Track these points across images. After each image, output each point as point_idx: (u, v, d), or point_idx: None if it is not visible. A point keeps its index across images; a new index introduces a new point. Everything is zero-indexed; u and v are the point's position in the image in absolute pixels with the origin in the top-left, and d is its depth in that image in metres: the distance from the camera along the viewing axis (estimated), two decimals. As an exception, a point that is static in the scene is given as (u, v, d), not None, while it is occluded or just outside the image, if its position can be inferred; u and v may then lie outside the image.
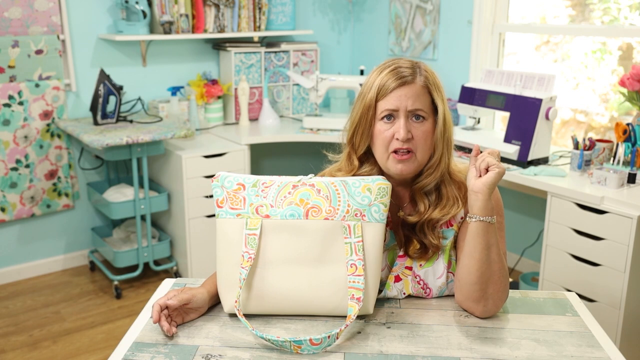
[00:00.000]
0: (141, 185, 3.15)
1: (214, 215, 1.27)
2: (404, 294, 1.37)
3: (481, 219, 1.23)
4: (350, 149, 1.38)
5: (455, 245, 1.37)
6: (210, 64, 3.69)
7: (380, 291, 1.36)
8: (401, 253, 1.37)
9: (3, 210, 3.15)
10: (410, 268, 1.36)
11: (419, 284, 1.36)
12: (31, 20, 3.07)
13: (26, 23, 3.07)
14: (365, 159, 1.38)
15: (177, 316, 1.25)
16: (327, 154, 1.47)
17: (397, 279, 1.37)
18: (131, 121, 3.20)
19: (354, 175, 1.37)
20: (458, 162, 1.42)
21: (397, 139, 1.29)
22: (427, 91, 1.31)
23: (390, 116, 1.30)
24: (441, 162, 1.33)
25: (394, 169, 1.31)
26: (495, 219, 1.25)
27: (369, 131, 1.33)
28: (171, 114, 3.35)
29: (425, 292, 1.37)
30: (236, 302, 1.22)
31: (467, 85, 2.97)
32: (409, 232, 1.37)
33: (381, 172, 1.38)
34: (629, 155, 2.47)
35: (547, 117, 2.60)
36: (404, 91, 1.28)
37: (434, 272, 1.36)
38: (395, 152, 1.30)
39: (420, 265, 1.36)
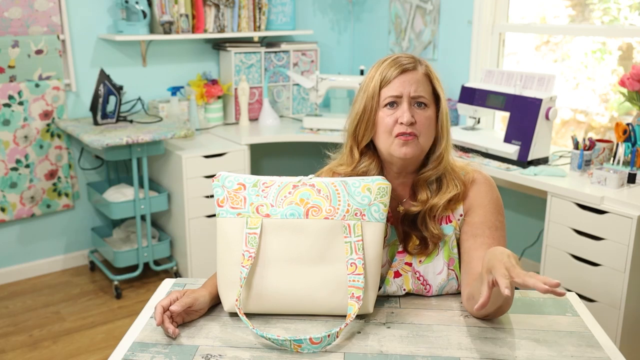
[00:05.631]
0: (141, 185, 3.15)
1: (214, 215, 1.27)
2: (404, 290, 1.37)
3: None
4: (353, 142, 1.39)
5: (457, 243, 1.38)
6: (210, 64, 3.68)
7: (379, 287, 1.36)
8: (400, 249, 1.38)
9: (3, 210, 3.15)
10: (409, 264, 1.37)
11: (419, 279, 1.37)
12: (31, 20, 3.07)
13: (26, 23, 3.06)
14: (365, 152, 1.40)
15: (178, 317, 1.25)
16: (329, 153, 1.48)
17: (397, 274, 1.37)
18: (131, 121, 3.20)
19: (354, 168, 1.39)
20: (458, 160, 1.43)
21: (401, 123, 1.30)
22: (428, 80, 1.34)
23: (394, 103, 1.32)
24: (445, 153, 1.36)
25: (398, 152, 1.32)
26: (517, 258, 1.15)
27: (374, 120, 1.34)
28: (171, 114, 3.35)
29: (425, 289, 1.38)
30: (237, 300, 1.22)
31: (467, 85, 2.97)
32: (409, 227, 1.37)
33: (380, 168, 1.39)
34: (629, 155, 2.47)
35: (547, 117, 2.60)
36: (407, 77, 1.31)
37: (434, 268, 1.36)
38: (399, 135, 1.32)
39: (420, 261, 1.36)
